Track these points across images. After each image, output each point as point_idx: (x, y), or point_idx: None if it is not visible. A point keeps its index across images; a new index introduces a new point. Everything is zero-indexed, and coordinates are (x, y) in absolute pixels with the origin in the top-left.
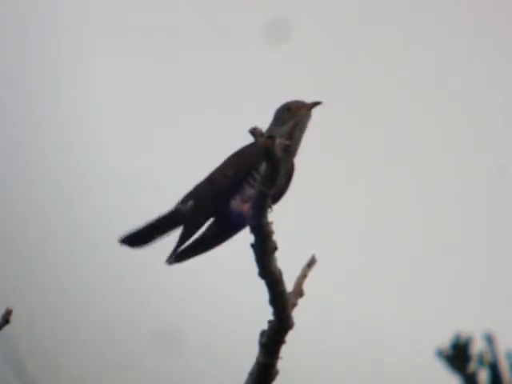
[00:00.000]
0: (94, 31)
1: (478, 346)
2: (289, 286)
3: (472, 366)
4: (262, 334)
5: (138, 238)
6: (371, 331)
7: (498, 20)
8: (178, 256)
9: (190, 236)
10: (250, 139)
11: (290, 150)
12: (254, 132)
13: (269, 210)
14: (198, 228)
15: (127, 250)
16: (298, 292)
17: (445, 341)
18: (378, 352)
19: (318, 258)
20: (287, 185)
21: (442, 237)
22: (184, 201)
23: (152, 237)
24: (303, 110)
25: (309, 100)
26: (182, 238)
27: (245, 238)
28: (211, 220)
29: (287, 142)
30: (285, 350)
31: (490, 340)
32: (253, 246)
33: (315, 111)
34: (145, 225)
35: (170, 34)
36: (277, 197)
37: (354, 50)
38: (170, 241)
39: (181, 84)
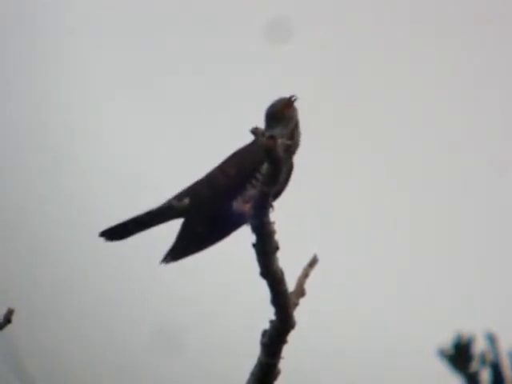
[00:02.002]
0: (95, 31)
1: (479, 346)
2: (290, 285)
3: (474, 365)
4: (264, 333)
5: (120, 231)
6: (372, 331)
7: (499, 19)
8: (173, 255)
9: (188, 235)
10: (251, 139)
11: (292, 150)
12: (255, 132)
13: (270, 210)
14: (196, 227)
15: (105, 242)
16: (300, 292)
17: (446, 340)
18: (379, 352)
19: (319, 257)
20: (286, 183)
21: (443, 236)
22: (179, 197)
23: (137, 230)
24: (290, 108)
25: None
26: (180, 237)
27: (246, 237)
28: (208, 218)
29: (289, 142)
30: (286, 350)
31: (491, 339)
32: (254, 245)
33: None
34: (131, 218)
35: (170, 34)
36: (275, 195)
37: (354, 49)
38: (165, 239)
39: (181, 84)
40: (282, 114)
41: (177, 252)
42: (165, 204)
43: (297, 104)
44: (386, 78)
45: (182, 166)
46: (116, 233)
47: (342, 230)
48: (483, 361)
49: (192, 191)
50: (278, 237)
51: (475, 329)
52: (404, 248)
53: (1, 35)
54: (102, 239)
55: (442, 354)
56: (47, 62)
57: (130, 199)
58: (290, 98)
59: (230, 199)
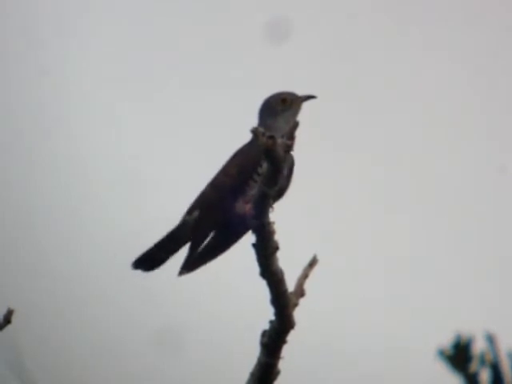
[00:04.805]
0: (94, 29)
1: (479, 346)
2: (290, 285)
3: (473, 366)
4: (264, 334)
5: (151, 260)
6: (372, 331)
7: (498, 19)
8: (188, 266)
9: (200, 245)
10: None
11: (292, 150)
12: (255, 132)
13: (270, 210)
14: (207, 236)
15: (141, 274)
16: (300, 292)
17: (446, 341)
18: (379, 352)
19: (319, 257)
20: (289, 179)
21: (443, 236)
22: (190, 211)
23: (165, 255)
24: (298, 102)
25: (299, 93)
26: (192, 248)
27: (247, 237)
28: (218, 224)
29: (289, 142)
30: (286, 350)
31: (491, 340)
32: (254, 245)
33: (314, 108)
34: (155, 244)
35: (169, 33)
36: (280, 193)
37: (354, 49)
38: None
39: (181, 83)
40: (290, 105)
41: (191, 263)
42: (180, 222)
43: (297, 102)
44: (387, 79)
45: (183, 165)
46: (148, 262)
47: (342, 230)
48: (483, 361)
49: (200, 201)
50: (277, 237)
51: (475, 329)
52: (404, 248)
53: (4, 36)
54: (137, 271)
55: (442, 354)
56: (47, 61)
57: (129, 199)
58: (308, 96)
59: (236, 200)
